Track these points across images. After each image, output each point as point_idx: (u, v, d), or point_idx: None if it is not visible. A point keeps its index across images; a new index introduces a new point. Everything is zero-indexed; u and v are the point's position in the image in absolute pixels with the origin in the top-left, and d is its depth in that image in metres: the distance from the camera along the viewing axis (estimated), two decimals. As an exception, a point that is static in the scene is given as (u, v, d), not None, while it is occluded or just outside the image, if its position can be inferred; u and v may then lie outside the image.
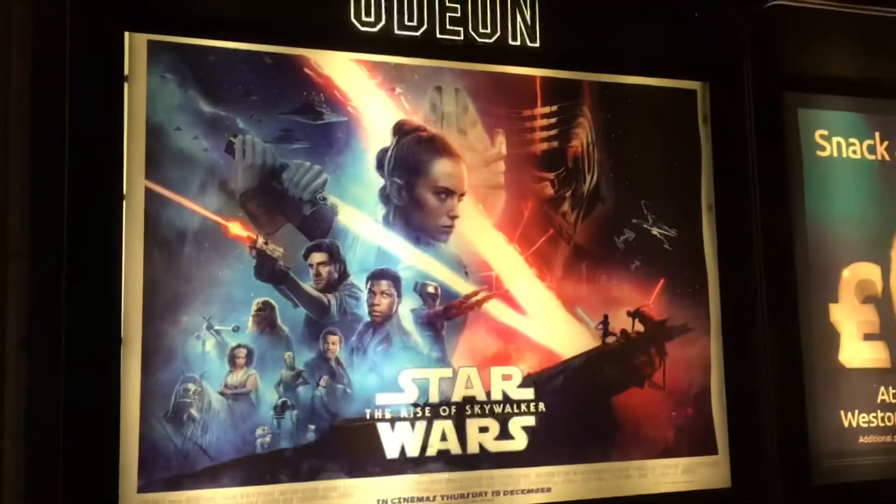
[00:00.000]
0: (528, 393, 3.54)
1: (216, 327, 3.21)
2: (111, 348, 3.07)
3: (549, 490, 3.50)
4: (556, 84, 3.75)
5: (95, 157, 3.13)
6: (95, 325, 3.06)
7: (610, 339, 3.69)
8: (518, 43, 3.72)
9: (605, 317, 3.69)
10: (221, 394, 3.18)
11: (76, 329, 3.01)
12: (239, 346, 3.22)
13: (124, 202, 3.15)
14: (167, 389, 3.13)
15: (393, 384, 3.39)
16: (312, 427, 3.26)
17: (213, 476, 3.13)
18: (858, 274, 4.07)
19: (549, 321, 3.61)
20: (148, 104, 3.20)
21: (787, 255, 3.94)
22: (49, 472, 2.93)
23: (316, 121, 3.40)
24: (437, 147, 3.55)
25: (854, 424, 3.96)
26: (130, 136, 3.18)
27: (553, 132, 3.71)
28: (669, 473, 3.69)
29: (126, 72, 3.18)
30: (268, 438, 3.21)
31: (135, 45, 3.21)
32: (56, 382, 2.97)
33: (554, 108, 3.72)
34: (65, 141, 3.07)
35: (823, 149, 4.11)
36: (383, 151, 3.48)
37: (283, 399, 3.24)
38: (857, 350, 4.02)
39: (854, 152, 4.16)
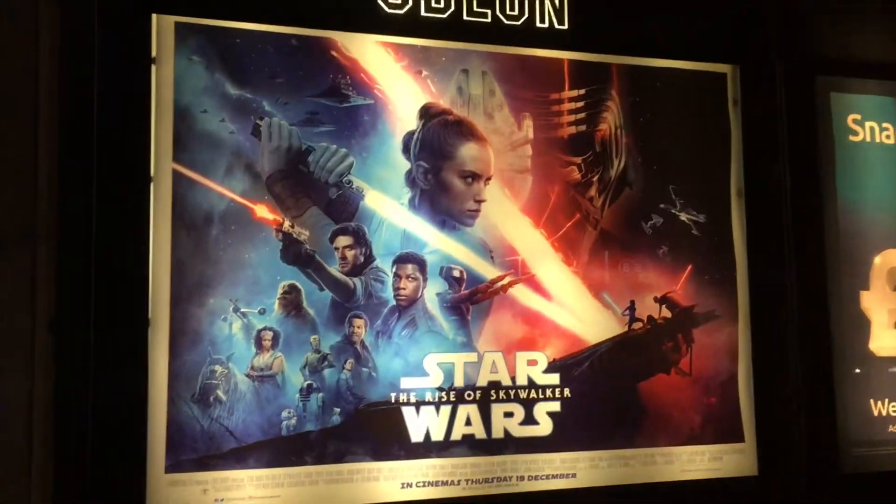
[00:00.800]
0: (554, 378, 3.52)
1: (242, 310, 3.22)
2: (139, 330, 3.09)
3: (573, 476, 3.49)
4: (584, 67, 3.71)
5: (123, 139, 3.13)
6: (123, 307, 3.08)
7: (636, 325, 3.66)
8: (546, 25, 3.67)
9: (632, 302, 3.66)
10: (248, 376, 3.20)
11: (104, 311, 3.03)
12: (265, 328, 3.23)
13: (152, 185, 3.16)
14: (194, 371, 3.14)
15: (418, 368, 3.39)
16: (338, 410, 3.27)
17: (239, 457, 3.15)
18: (890, 261, 4.00)
19: (575, 306, 3.59)
20: (175, 87, 3.20)
21: (818, 242, 3.89)
22: (78, 453, 2.96)
23: (342, 103, 3.38)
24: (463, 130, 3.52)
25: (883, 413, 3.91)
26: (158, 118, 3.18)
27: (581, 116, 3.67)
28: (696, 460, 3.66)
29: (154, 54, 3.19)
30: (293, 421, 3.22)
31: (162, 28, 3.20)
32: (85, 364, 2.99)
33: (582, 91, 3.68)
34: (93, 124, 3.08)
35: (856, 133, 4.04)
36: (409, 135, 3.46)
37: (309, 382, 3.25)
38: (887, 338, 3.95)
39: (888, 137, 4.08)
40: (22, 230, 3.00)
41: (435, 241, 3.46)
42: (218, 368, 3.17)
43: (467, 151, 3.52)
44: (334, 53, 3.40)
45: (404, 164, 3.45)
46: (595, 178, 3.68)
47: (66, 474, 2.96)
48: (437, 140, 3.49)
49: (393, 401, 3.34)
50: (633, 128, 3.75)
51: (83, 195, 3.05)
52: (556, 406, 3.51)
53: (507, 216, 3.55)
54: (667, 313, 3.70)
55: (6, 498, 2.89)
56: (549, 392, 3.51)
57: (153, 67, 3.19)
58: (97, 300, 3.04)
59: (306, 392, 3.25)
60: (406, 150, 3.45)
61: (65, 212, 3.05)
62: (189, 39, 3.23)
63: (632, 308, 3.66)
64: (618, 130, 3.73)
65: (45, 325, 2.99)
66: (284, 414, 3.22)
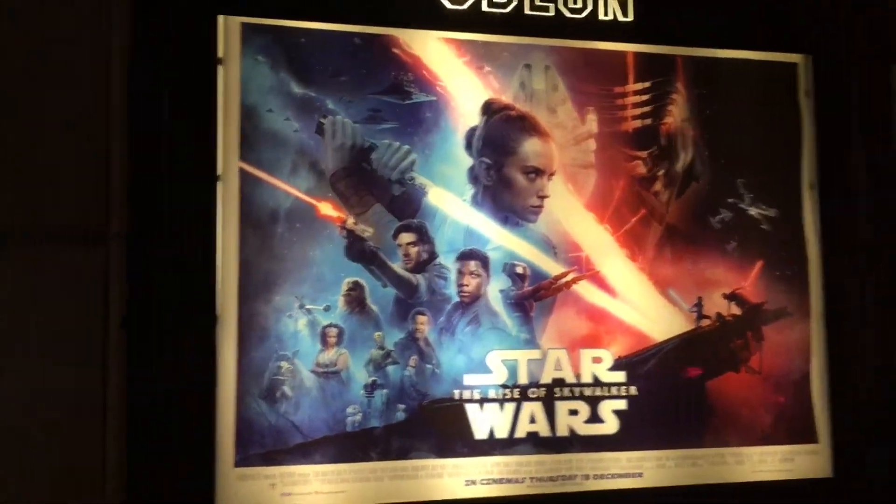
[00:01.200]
0: (620, 376, 3.47)
1: (308, 306, 3.25)
2: (207, 327, 3.15)
3: (640, 475, 3.43)
4: (648, 60, 3.64)
5: (191, 139, 3.19)
6: (193, 304, 3.13)
7: (704, 323, 3.58)
8: (609, 17, 3.62)
9: (699, 299, 3.58)
10: (313, 372, 3.23)
11: (174, 308, 3.09)
12: (330, 325, 3.26)
13: (219, 184, 3.21)
14: (261, 367, 3.19)
15: (481, 365, 3.37)
16: (402, 406, 3.28)
17: (305, 452, 3.18)
18: (973, 256, 3.84)
19: (641, 303, 3.53)
20: (241, 86, 3.24)
21: (895, 236, 3.75)
22: (149, 447, 3.03)
23: (404, 101, 3.39)
24: (526, 126, 3.49)
25: (966, 414, 3.75)
26: (225, 118, 3.23)
27: (646, 109, 3.61)
28: (767, 461, 3.57)
29: (220, 55, 3.24)
30: (358, 417, 3.24)
31: (228, 29, 3.25)
32: (156, 361, 3.06)
33: (646, 84, 3.62)
34: (162, 125, 3.14)
35: (935, 123, 3.89)
36: (472, 131, 3.45)
37: (374, 378, 3.27)
38: (970, 336, 3.80)
39: (969, 126, 3.91)
40: (96, 230, 3.08)
41: (498, 238, 3.44)
42: (284, 365, 3.21)
43: (530, 147, 3.49)
44: (397, 51, 3.40)
45: (467, 161, 3.43)
46: (661, 173, 3.61)
47: (138, 468, 3.02)
48: (500, 136, 3.46)
49: (456, 398, 3.34)
50: (700, 121, 3.67)
51: (154, 195, 3.12)
52: (621, 404, 3.46)
53: (570, 212, 3.51)
54: (736, 310, 3.62)
55: (82, 490, 2.97)
56: (614, 390, 3.46)
57: (220, 68, 3.24)
58: (167, 297, 3.10)
59: (371, 388, 3.26)
60: (468, 146, 3.44)
61: (136, 211, 3.11)
62: (255, 40, 3.27)
63: (699, 305, 3.58)
64: (684, 123, 3.65)
65: (117, 322, 3.06)
66: (349, 410, 3.24)
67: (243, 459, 3.13)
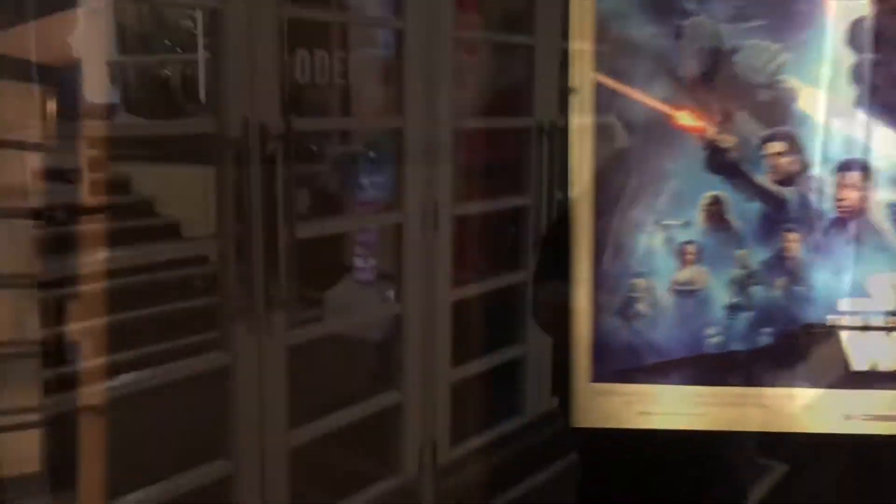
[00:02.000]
0: None
1: (664, 222, 3.10)
2: (563, 242, 3.14)
3: None
4: None
5: (546, 51, 3.16)
6: (548, 218, 3.15)
7: None
8: None
9: None
10: (670, 290, 3.09)
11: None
12: (688, 242, 3.07)
13: (573, 96, 3.14)
14: (615, 284, 3.10)
15: (860, 289, 3.00)
16: (767, 330, 3.02)
17: (661, 372, 3.07)
18: None
19: None
20: (595, -6, 3.14)
21: None
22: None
23: (775, -6, 3.05)
24: (926, 12, 2.99)
25: None
26: (578, 28, 3.14)
27: None
28: None
29: (574, -39, 3.14)
30: (719, 339, 3.05)
31: (584, -68, 3.14)
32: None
33: None
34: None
35: None
36: (856, 23, 2.99)
37: (736, 299, 3.05)
38: None
39: None
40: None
41: (885, 145, 2.97)
42: (640, 282, 3.10)
43: (931, 37, 2.98)
44: (766, -62, 3.06)
45: (849, 58, 2.99)
46: None
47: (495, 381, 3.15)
48: (893, 27, 2.99)
49: (831, 324, 3.01)
50: None
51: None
52: None
53: (982, 112, 2.96)
54: None
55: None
56: None
57: (572, -24, 3.15)
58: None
59: (733, 310, 3.05)
60: (852, 41, 3.01)
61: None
62: (610, -59, 3.12)
63: None
64: None
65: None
66: (709, 331, 3.05)
67: (599, 375, 3.11)
